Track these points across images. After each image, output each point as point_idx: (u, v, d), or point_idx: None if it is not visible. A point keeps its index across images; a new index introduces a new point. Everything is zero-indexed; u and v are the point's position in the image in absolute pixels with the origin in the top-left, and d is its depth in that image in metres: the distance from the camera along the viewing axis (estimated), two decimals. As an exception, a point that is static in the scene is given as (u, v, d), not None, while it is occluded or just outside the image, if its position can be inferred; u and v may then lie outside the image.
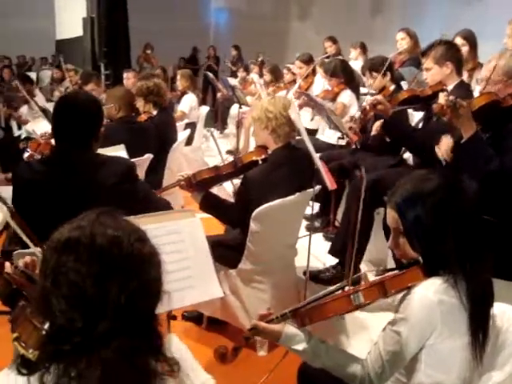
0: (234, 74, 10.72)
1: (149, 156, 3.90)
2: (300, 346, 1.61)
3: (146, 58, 11.04)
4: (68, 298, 1.04)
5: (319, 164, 2.68)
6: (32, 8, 15.82)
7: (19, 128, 6.42)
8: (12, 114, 6.54)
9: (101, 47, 10.16)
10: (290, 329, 1.61)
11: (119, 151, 3.51)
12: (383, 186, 3.12)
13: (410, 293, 1.51)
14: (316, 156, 2.73)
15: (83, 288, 1.04)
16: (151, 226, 2.11)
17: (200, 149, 6.72)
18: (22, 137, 5.48)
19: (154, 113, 4.68)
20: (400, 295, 1.55)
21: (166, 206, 2.39)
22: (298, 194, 2.80)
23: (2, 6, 16.08)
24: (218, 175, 2.92)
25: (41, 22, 15.05)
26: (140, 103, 4.69)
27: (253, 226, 2.78)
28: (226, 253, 2.98)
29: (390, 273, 1.58)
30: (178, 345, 1.26)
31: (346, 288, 1.58)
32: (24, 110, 6.56)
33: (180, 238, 2.13)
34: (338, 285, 1.58)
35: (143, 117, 4.63)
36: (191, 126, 6.13)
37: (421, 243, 1.57)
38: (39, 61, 16.19)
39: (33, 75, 14.16)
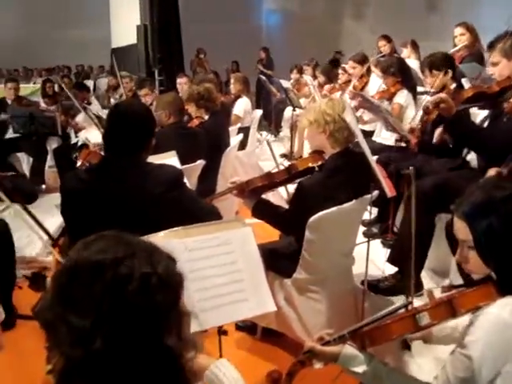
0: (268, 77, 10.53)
1: (201, 162, 3.86)
2: (360, 368, 1.49)
3: (199, 62, 11.11)
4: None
5: (377, 170, 2.54)
6: (89, 19, 16.30)
7: (76, 136, 6.54)
8: (69, 122, 6.68)
9: (154, 53, 10.29)
10: (348, 350, 1.49)
11: (171, 158, 3.47)
12: (445, 190, 2.95)
13: (481, 313, 1.36)
14: (374, 161, 2.59)
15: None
16: (202, 237, 2.05)
17: (254, 153, 6.66)
18: (79, 144, 5.56)
19: (206, 117, 4.65)
20: (469, 316, 1.41)
21: (214, 214, 2.31)
22: (354, 201, 2.67)
23: (62, 18, 16.68)
24: (272, 182, 2.83)
25: (98, 32, 15.47)
26: (192, 108, 4.68)
27: (308, 234, 2.67)
28: (280, 262, 2.90)
29: (459, 290, 1.44)
30: (230, 372, 1.18)
31: (410, 307, 1.44)
32: (80, 117, 6.68)
33: (231, 249, 2.04)
34: (399, 304, 1.45)
35: (195, 122, 4.61)
36: (245, 130, 6.07)
37: (494, 257, 1.42)
38: (97, 69, 16.65)
39: (90, 83, 14.58)
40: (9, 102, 6.85)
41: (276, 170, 2.92)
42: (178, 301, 1.06)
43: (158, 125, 4.13)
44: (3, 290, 3.15)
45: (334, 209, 2.62)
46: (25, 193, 3.17)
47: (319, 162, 2.76)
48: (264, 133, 8.75)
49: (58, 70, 17.27)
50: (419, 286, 2.95)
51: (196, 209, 2.28)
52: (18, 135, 6.26)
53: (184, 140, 3.78)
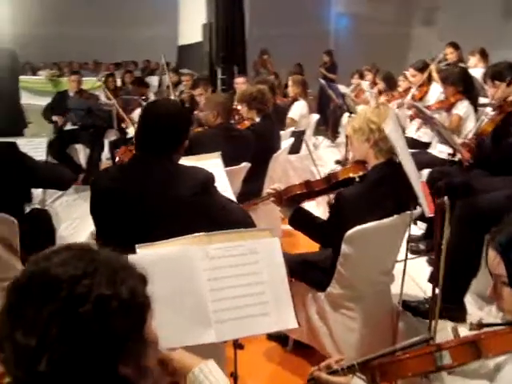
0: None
1: (246, 165, 3.78)
2: None
3: (262, 63, 11.05)
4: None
5: (418, 186, 2.38)
6: (158, 16, 16.64)
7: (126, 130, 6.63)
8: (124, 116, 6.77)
9: (218, 52, 10.34)
10: (357, 383, 1.37)
11: (214, 159, 3.42)
12: (496, 210, 2.75)
13: (510, 361, 1.21)
14: (415, 177, 2.43)
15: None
16: (225, 244, 1.97)
17: (308, 157, 6.53)
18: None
19: (257, 119, 4.58)
20: (498, 359, 1.26)
21: (245, 221, 2.23)
22: (396, 216, 2.52)
23: (133, 15, 17.13)
24: (310, 191, 2.72)
25: (166, 29, 15.76)
26: (243, 109, 4.63)
27: (345, 248, 2.55)
28: (315, 274, 2.79)
29: (489, 329, 1.29)
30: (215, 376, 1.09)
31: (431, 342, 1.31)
32: (136, 113, 6.76)
33: (255, 260, 1.95)
34: (419, 337, 1.31)
35: (245, 123, 4.55)
36: (300, 133, 5.96)
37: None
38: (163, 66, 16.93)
39: (155, 79, 14.85)
40: (71, 94, 7.03)
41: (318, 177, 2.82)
42: (142, 327, 0.96)
43: (205, 125, 4.14)
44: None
45: (373, 223, 2.48)
46: (57, 180, 3.17)
47: (361, 173, 2.63)
48: (320, 137, 8.60)
49: (126, 65, 17.71)
50: (462, 312, 2.76)
51: (224, 215, 2.21)
52: (76, 127, 6.42)
53: (229, 141, 3.72)
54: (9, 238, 2.73)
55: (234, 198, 3.24)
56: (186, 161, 3.40)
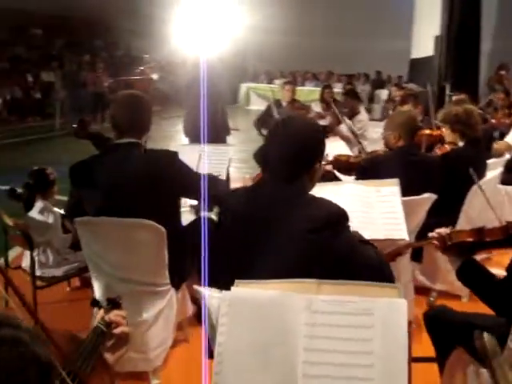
0: None
1: (430, 196, 3.29)
2: None
3: (498, 79, 9.95)
4: None
5: None
6: (394, 29, 16.30)
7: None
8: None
9: (448, 66, 9.61)
10: None
11: (392, 186, 3.05)
12: None
13: None
14: None
15: None
16: (335, 297, 1.62)
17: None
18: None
19: (460, 144, 4.00)
20: None
21: (379, 268, 1.84)
22: None
23: (372, 28, 17.08)
24: (482, 240, 2.18)
25: (399, 42, 15.36)
26: (446, 131, 4.10)
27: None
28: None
29: None
30: None
31: None
32: (344, 126, 6.54)
33: (370, 323, 1.57)
34: None
35: (446, 147, 4.03)
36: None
37: None
38: (396, 79, 16.46)
39: (385, 93, 14.51)
40: (284, 104, 7.10)
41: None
42: None
43: (385, 147, 3.73)
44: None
45: None
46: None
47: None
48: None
49: (358, 77, 17.70)
50: None
51: (352, 258, 1.84)
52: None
53: (411, 167, 3.27)
54: (156, 246, 2.74)
55: (406, 234, 2.84)
56: (359, 185, 3.12)
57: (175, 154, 2.86)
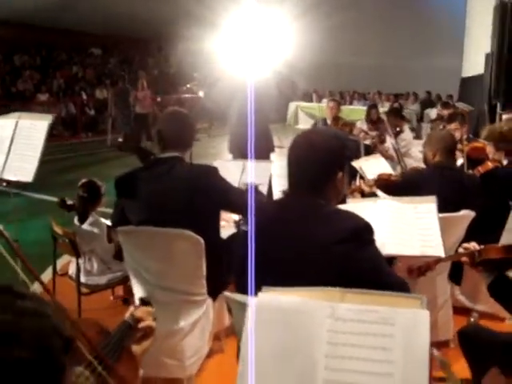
0: None
1: (468, 213, 3.25)
2: None
3: (551, 98, 9.68)
4: None
5: None
6: (444, 48, 16.10)
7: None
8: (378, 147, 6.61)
9: (499, 84, 9.42)
10: None
11: (429, 203, 3.04)
12: None
13: None
14: None
15: None
16: (359, 306, 1.66)
17: None
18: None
19: (505, 163, 3.95)
20: None
21: (396, 286, 1.86)
22: None
23: (418, 46, 16.93)
24: (509, 258, 2.16)
25: (449, 60, 15.16)
26: (489, 149, 4.06)
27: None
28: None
29: None
30: None
31: None
32: (389, 143, 6.54)
33: (390, 332, 1.60)
34: None
35: (488, 165, 3.97)
36: None
37: None
38: (446, 98, 16.23)
39: (434, 112, 14.32)
40: (329, 122, 7.16)
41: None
42: None
43: (423, 163, 3.73)
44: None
45: None
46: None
47: None
48: None
49: (407, 96, 17.52)
50: None
51: (379, 276, 1.87)
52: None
53: (447, 184, 3.26)
54: (194, 256, 2.82)
55: (443, 251, 2.83)
56: (396, 202, 3.13)
57: (215, 168, 2.96)
